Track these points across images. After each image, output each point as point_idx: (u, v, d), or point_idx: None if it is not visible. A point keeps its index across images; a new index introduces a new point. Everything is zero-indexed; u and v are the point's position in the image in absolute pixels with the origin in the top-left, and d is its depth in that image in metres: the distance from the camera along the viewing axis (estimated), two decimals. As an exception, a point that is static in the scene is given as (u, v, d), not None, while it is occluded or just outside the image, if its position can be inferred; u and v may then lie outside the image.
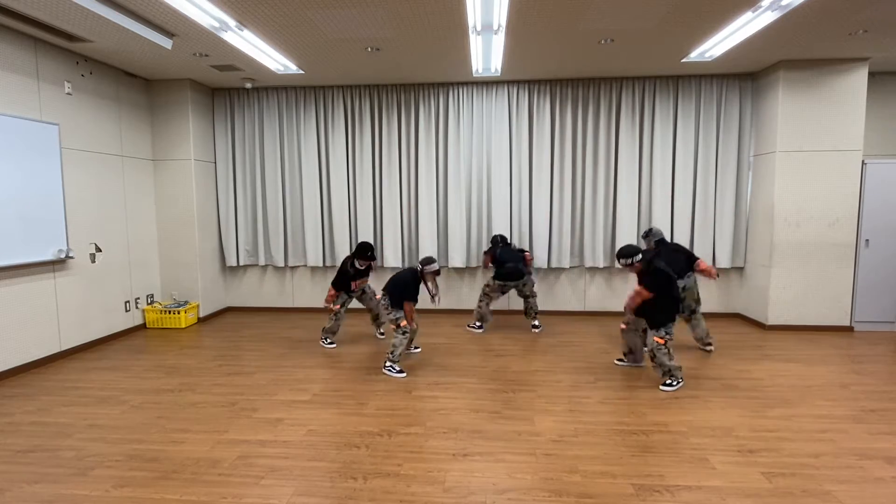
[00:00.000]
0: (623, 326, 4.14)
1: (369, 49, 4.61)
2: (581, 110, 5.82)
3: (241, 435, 3.00)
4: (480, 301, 5.32)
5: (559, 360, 4.35)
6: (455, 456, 2.74)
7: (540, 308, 6.17)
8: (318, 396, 3.60)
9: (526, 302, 5.33)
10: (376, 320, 5.05)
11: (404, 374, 4.01)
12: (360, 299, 4.94)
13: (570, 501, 2.32)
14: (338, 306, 4.77)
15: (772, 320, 5.40)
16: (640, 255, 3.83)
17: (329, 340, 4.89)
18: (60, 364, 4.39)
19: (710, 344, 4.62)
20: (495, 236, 5.35)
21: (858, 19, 3.98)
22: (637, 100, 5.76)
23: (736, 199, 5.77)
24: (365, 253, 4.62)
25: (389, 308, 4.11)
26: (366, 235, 6.11)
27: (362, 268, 4.69)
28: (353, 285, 4.70)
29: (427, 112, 5.96)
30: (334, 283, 4.72)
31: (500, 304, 6.13)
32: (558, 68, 5.34)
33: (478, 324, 5.39)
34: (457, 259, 6.01)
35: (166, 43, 4.22)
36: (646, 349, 4.17)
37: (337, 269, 5.13)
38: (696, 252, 5.80)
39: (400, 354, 4.10)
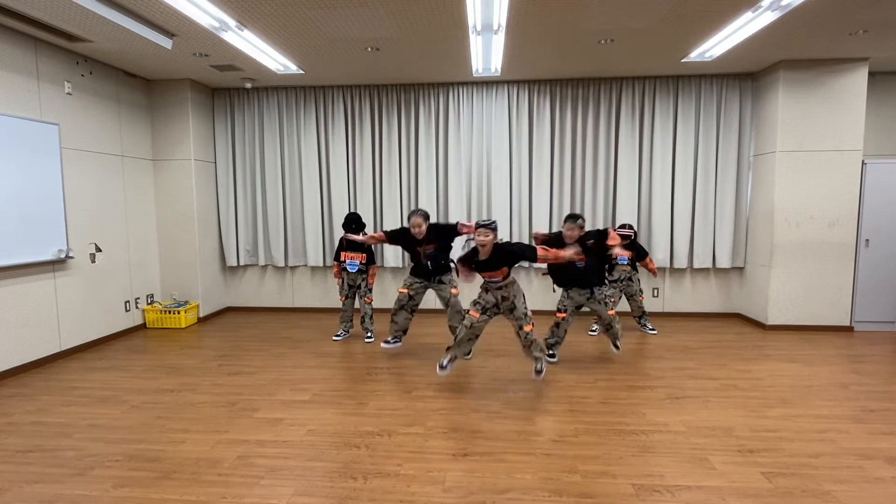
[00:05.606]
0: (562, 316, 4.21)
1: (369, 49, 4.61)
2: (581, 110, 5.82)
3: (241, 435, 3.00)
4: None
5: (559, 360, 4.35)
6: (455, 456, 2.74)
7: (540, 308, 6.17)
8: (318, 396, 3.60)
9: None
10: (363, 322, 5.04)
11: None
12: (356, 295, 5.03)
13: (570, 501, 2.32)
14: (339, 281, 5.00)
15: (772, 320, 5.40)
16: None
17: (341, 331, 5.13)
18: (60, 364, 4.39)
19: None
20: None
21: (858, 19, 3.98)
22: (637, 100, 5.76)
23: (736, 199, 5.76)
24: (349, 225, 4.77)
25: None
26: (366, 235, 6.12)
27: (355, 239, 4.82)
28: (342, 256, 4.86)
29: (427, 112, 5.96)
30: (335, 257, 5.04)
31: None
32: (558, 68, 5.33)
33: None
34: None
35: (166, 43, 4.22)
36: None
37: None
38: (696, 251, 5.83)
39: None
